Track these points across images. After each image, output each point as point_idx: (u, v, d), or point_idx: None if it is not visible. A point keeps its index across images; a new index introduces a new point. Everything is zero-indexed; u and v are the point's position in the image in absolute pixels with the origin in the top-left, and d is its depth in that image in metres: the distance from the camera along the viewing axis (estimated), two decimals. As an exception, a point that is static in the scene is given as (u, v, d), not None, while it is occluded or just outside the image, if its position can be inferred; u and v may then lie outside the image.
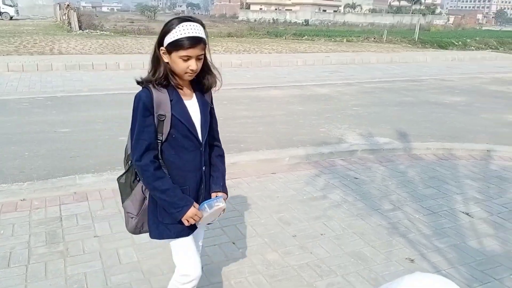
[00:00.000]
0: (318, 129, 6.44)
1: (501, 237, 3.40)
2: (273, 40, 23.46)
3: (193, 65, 1.76)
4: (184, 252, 1.96)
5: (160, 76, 1.79)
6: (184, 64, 1.75)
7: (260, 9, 67.65)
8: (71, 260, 2.90)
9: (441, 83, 11.45)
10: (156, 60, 1.81)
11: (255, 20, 49.09)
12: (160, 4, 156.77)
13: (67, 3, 27.71)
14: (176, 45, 1.72)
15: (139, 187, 1.93)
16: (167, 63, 1.79)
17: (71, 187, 4.05)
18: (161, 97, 1.79)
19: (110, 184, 4.12)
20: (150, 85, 1.80)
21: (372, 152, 5.44)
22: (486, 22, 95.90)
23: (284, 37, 25.51)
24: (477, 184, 4.48)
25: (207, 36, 1.78)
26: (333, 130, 6.44)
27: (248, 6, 71.49)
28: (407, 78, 11.90)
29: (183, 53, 1.72)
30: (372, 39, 26.35)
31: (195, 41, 1.72)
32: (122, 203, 2.01)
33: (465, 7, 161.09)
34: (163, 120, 1.80)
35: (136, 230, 2.02)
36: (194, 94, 1.92)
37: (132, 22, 33.50)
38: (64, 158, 4.98)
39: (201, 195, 1.97)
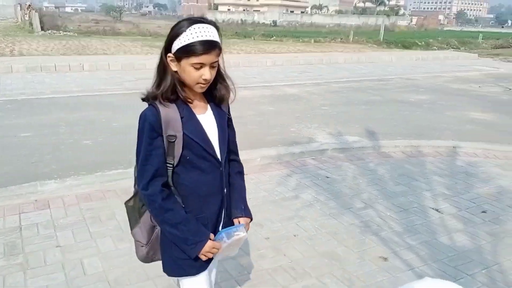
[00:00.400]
0: (288, 129, 6.42)
1: (470, 232, 3.44)
2: (242, 40, 23.44)
3: (207, 74, 1.50)
4: None
5: (166, 89, 1.52)
6: (196, 73, 1.49)
7: (228, 10, 67.55)
8: (31, 273, 2.72)
9: (406, 82, 11.69)
10: (162, 69, 1.55)
11: (223, 21, 48.92)
12: (126, 4, 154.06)
13: (28, 3, 26.77)
14: (187, 51, 1.46)
15: (147, 215, 1.68)
16: (175, 72, 1.52)
17: (32, 195, 3.85)
18: (170, 114, 1.53)
19: (74, 190, 3.95)
20: (157, 102, 1.54)
21: (342, 151, 5.46)
22: (447, 23, 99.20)
23: (252, 38, 25.54)
24: (445, 180, 4.55)
25: (221, 40, 1.53)
26: (303, 129, 6.43)
27: (216, 7, 71.25)
28: (374, 77, 12.09)
29: (195, 60, 1.46)
30: (339, 39, 26.74)
31: (209, 46, 1.46)
32: (131, 230, 1.76)
33: (427, 8, 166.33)
34: (174, 141, 1.54)
35: (147, 259, 1.77)
36: (208, 106, 1.65)
37: (97, 23, 32.68)
38: (25, 164, 4.73)
39: (220, 221, 1.72)
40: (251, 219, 1.79)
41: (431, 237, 3.35)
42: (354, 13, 71.07)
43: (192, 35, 1.45)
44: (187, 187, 1.61)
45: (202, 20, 1.49)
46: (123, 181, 4.10)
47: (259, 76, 11.68)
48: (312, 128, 6.52)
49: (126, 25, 30.06)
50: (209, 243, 1.59)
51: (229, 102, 1.71)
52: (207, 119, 1.63)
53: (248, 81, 10.77)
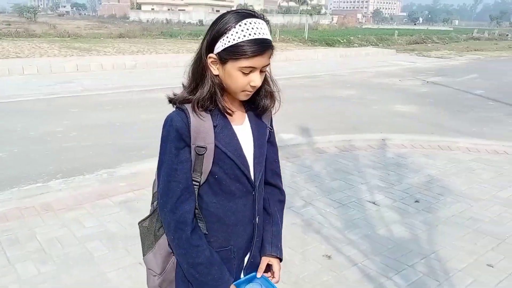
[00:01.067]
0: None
1: (406, 222, 3.53)
2: (168, 40, 22.87)
3: (257, 80, 1.23)
4: None
5: (204, 96, 1.25)
6: (244, 79, 1.22)
7: (152, 9, 65.69)
8: None
9: (334, 78, 12.04)
10: (200, 72, 1.27)
11: (147, 21, 47.42)
12: (41, 4, 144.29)
13: None
14: (235, 52, 1.19)
15: (165, 239, 1.37)
16: (217, 75, 1.26)
17: None
18: (200, 121, 1.26)
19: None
20: (188, 106, 1.27)
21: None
22: (365, 21, 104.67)
23: (179, 38, 25.01)
24: (378, 172, 4.66)
25: (272, 37, 1.26)
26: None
27: (139, 6, 68.95)
28: (303, 74, 12.31)
29: (245, 63, 1.20)
30: (268, 38, 27.05)
31: (263, 47, 1.19)
32: (143, 256, 1.46)
33: (346, 7, 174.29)
34: (203, 154, 1.27)
35: None
36: (246, 116, 1.37)
37: (9, 25, 30.14)
38: None
39: (247, 253, 1.44)
40: (281, 261, 1.49)
41: (371, 231, 3.38)
42: (278, 12, 72.45)
43: (243, 32, 1.18)
44: (211, 213, 1.33)
45: (252, 13, 1.23)
46: (43, 196, 3.72)
47: (188, 76, 11.41)
48: (246, 127, 6.42)
49: (42, 26, 28.00)
50: None
51: (273, 113, 1.42)
52: (243, 131, 1.34)
53: (177, 81, 10.42)
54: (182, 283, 1.36)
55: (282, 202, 1.54)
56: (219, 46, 1.20)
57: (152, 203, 1.44)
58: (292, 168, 4.72)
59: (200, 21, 44.64)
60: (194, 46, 19.41)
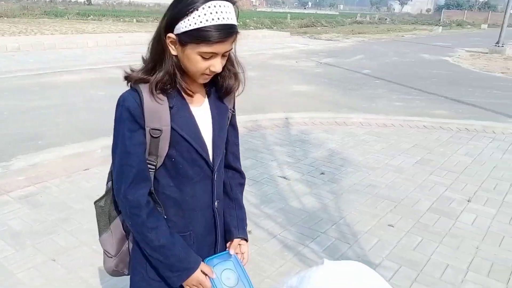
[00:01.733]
0: (126, 115, 6.00)
1: (315, 193, 3.79)
2: (54, 20, 20.99)
3: (217, 66, 1.17)
4: None
5: (162, 77, 1.17)
6: (203, 64, 1.16)
7: (30, -15, 59.22)
8: None
9: (234, 60, 12.15)
10: (159, 51, 1.18)
11: (25, -1, 42.76)
12: None
13: None
14: (197, 37, 1.10)
15: (118, 221, 1.34)
16: (175, 55, 1.18)
17: None
18: (155, 103, 1.18)
19: None
20: (143, 85, 1.19)
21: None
22: (259, 4, 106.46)
23: (66, 17, 23.10)
24: (285, 149, 4.90)
25: (237, 19, 1.17)
26: (142, 114, 6.10)
27: (13, -18, 61.69)
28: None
29: (206, 49, 1.12)
30: (152, 19, 26.23)
31: (227, 33, 1.12)
32: (99, 236, 1.40)
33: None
34: (158, 136, 1.20)
35: (115, 273, 1.45)
36: (205, 97, 1.31)
37: None
38: None
39: (214, 242, 1.40)
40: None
41: (285, 204, 3.57)
42: None
43: (206, 16, 1.09)
44: (168, 197, 1.28)
45: None
46: None
47: (81, 58, 10.64)
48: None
49: None
50: (197, 275, 1.27)
51: (236, 95, 1.37)
52: (201, 113, 1.29)
53: (69, 64, 9.73)
54: (139, 266, 1.33)
55: (242, 185, 1.52)
56: (180, 28, 1.12)
57: (107, 182, 1.37)
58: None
59: (89, 0, 41.48)
60: (83, 26, 18.09)
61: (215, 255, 1.35)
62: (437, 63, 13.37)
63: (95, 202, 1.41)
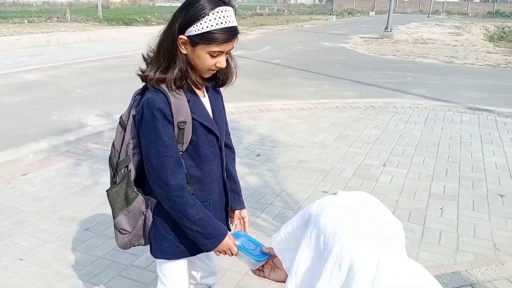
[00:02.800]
0: (50, 118, 5.85)
1: (256, 173, 4.18)
2: None
3: (223, 62, 1.42)
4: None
5: (175, 75, 1.39)
6: (211, 61, 1.39)
7: None
8: None
9: (146, 57, 12.04)
10: (172, 52, 1.38)
11: None
12: None
13: None
14: (208, 39, 1.34)
15: (137, 202, 1.54)
16: (185, 55, 1.39)
17: None
18: (178, 100, 1.41)
19: None
20: (163, 86, 1.40)
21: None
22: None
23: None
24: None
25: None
26: (67, 116, 5.98)
27: None
28: (114, 55, 11.93)
29: (215, 48, 1.36)
30: (56, 18, 24.62)
31: (233, 35, 1.37)
32: (114, 218, 1.59)
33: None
34: (184, 128, 1.44)
35: (128, 246, 1.65)
36: (204, 89, 1.57)
37: None
38: None
39: (225, 203, 1.69)
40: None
41: (231, 185, 3.90)
42: (61, -11, 65.74)
43: (216, 20, 1.32)
44: (192, 176, 1.52)
45: (223, 0, 1.35)
46: None
47: (-23, 65, 9.82)
48: (76, 113, 6.13)
49: None
50: (227, 241, 1.51)
51: (229, 85, 1.62)
52: (206, 101, 1.55)
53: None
54: (168, 234, 1.58)
55: (234, 160, 1.79)
56: (192, 31, 1.33)
57: (119, 169, 1.56)
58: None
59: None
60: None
61: (234, 235, 1.57)
62: (337, 50, 14.53)
63: (107, 191, 1.60)
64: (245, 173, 4.13)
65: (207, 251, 1.57)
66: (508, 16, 42.38)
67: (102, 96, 7.23)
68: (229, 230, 1.78)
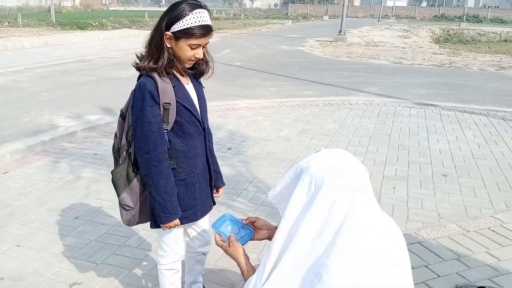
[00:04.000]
0: (21, 121, 5.93)
1: (229, 164, 4.52)
2: None
3: (200, 53, 1.75)
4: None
5: (165, 64, 1.71)
6: (191, 52, 1.72)
7: None
8: None
9: (108, 60, 12.09)
10: (159, 46, 1.71)
11: None
12: None
13: None
14: (188, 33, 1.67)
15: (137, 179, 1.85)
16: (170, 48, 1.72)
17: None
18: (165, 84, 1.73)
19: None
20: (154, 73, 1.71)
21: (91, 129, 5.62)
22: (109, 3, 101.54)
23: None
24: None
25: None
26: (38, 118, 6.08)
27: None
28: (74, 59, 11.90)
29: (194, 42, 1.69)
30: (7, 23, 23.84)
31: (208, 31, 1.70)
32: (118, 196, 1.87)
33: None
34: (168, 108, 1.74)
35: (132, 222, 1.93)
36: (188, 78, 1.88)
37: None
38: None
39: (209, 179, 2.03)
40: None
41: (206, 175, 4.23)
42: (8, -7, 63.10)
43: (194, 19, 1.65)
44: (178, 151, 1.82)
45: (200, 5, 1.68)
46: None
47: None
48: (46, 115, 6.24)
49: None
50: (177, 221, 1.84)
51: (207, 77, 1.93)
52: (190, 88, 1.87)
53: None
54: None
55: (212, 142, 2.10)
56: (176, 27, 1.66)
57: (121, 153, 1.87)
58: (116, 143, 5.09)
59: None
60: None
61: (217, 221, 1.72)
62: (295, 53, 15.13)
63: (112, 171, 1.88)
64: (219, 165, 4.46)
65: (159, 223, 1.85)
66: (452, 19, 45.05)
67: (69, 98, 7.34)
68: (214, 204, 2.15)
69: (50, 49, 13.83)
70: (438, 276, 2.52)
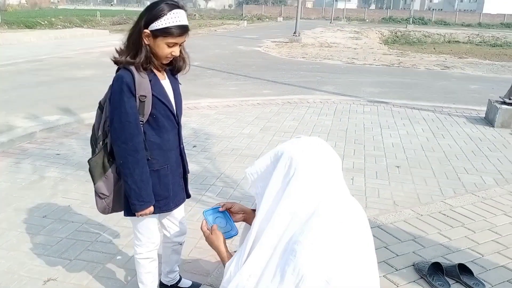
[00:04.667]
0: (-26, 122, 5.73)
1: (195, 161, 4.60)
2: None
3: (177, 51, 1.84)
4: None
5: (143, 60, 1.80)
6: (168, 50, 1.81)
7: None
8: None
9: (63, 60, 11.76)
10: (137, 42, 1.80)
11: None
12: None
13: None
14: (165, 32, 1.76)
15: (113, 169, 1.92)
16: (148, 45, 1.80)
17: None
18: (141, 78, 1.81)
19: None
20: (132, 67, 1.79)
21: (51, 130, 5.52)
22: (58, 1, 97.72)
23: None
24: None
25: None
26: (-8, 119, 5.89)
27: None
28: (25, 59, 11.48)
29: (171, 40, 1.78)
30: None
31: (184, 30, 1.80)
32: (94, 184, 1.95)
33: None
34: (144, 101, 1.82)
35: (106, 210, 2.00)
36: (165, 74, 1.97)
37: None
38: None
39: (183, 172, 2.14)
40: None
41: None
42: None
43: (172, 19, 1.74)
44: (153, 142, 1.92)
45: (177, 5, 1.77)
46: None
47: None
48: (2, 116, 6.04)
49: None
50: (151, 209, 1.94)
51: (184, 73, 2.03)
52: (166, 83, 1.96)
53: None
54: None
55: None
56: (154, 26, 1.76)
57: (98, 143, 1.95)
58: (78, 142, 5.06)
59: None
60: None
61: (209, 209, 1.83)
62: (252, 53, 15.35)
63: (88, 161, 1.96)
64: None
65: (133, 211, 1.93)
66: (399, 21, 47.03)
67: (24, 99, 7.13)
68: (189, 197, 2.28)
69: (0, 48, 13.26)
70: (397, 255, 2.76)
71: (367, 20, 51.47)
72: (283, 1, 74.32)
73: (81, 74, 9.67)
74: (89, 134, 5.51)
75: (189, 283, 2.54)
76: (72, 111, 6.46)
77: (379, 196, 3.91)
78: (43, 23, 25.79)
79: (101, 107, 1.97)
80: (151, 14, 1.77)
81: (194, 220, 3.32)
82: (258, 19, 47.66)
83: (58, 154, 4.67)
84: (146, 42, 1.81)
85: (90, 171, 1.96)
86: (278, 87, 9.08)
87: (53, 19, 27.55)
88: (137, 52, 1.81)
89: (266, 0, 75.70)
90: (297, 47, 17.79)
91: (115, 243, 3.02)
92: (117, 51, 1.91)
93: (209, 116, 6.46)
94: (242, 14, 51.52)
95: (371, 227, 3.09)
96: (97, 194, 1.98)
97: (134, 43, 1.82)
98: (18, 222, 3.25)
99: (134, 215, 1.97)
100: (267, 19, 48.19)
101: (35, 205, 3.52)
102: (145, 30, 1.78)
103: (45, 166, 4.32)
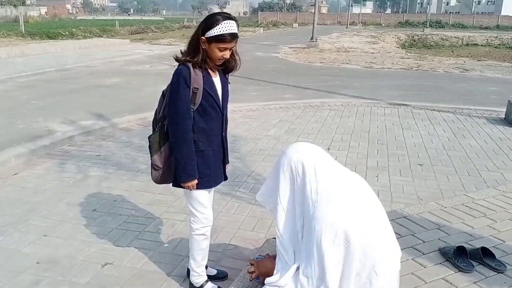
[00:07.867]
0: (16, 127, 6.11)
1: (226, 160, 4.88)
2: None
3: (227, 55, 2.17)
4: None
5: (199, 60, 2.15)
6: (220, 53, 2.14)
7: None
8: None
9: (89, 69, 12.24)
10: (195, 47, 2.15)
11: None
12: None
13: None
14: (218, 39, 2.09)
15: (167, 146, 2.26)
16: (204, 49, 2.13)
17: None
18: (196, 73, 2.16)
19: None
20: (189, 64, 2.14)
21: (88, 134, 5.87)
22: (76, 12, 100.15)
23: None
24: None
25: (238, 30, 2.15)
26: (33, 125, 6.27)
27: None
28: (54, 68, 11.99)
29: (223, 45, 2.12)
30: (-26, 34, 23.42)
31: (234, 37, 2.13)
32: (151, 157, 2.30)
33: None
34: (196, 92, 2.17)
35: (159, 180, 2.36)
36: (217, 73, 2.29)
37: None
38: None
39: (223, 154, 2.43)
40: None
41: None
42: (-30, 2, 61.19)
43: (224, 28, 2.09)
44: (200, 128, 2.26)
45: (230, 16, 2.13)
46: None
47: None
48: (41, 121, 6.43)
49: None
50: (194, 182, 2.26)
51: (236, 70, 2.36)
52: (217, 81, 2.30)
53: None
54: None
55: (227, 128, 2.49)
56: (209, 34, 2.11)
57: (157, 124, 2.31)
58: (116, 145, 5.37)
59: None
60: None
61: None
62: (271, 59, 15.65)
63: (149, 137, 2.31)
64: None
65: (180, 182, 2.28)
66: (416, 25, 46.93)
67: (59, 106, 7.53)
68: (226, 179, 2.58)
69: (27, 58, 13.83)
70: (423, 241, 2.96)
71: (383, 25, 51.43)
72: (298, 7, 74.75)
73: (108, 82, 10.08)
74: (123, 137, 5.90)
75: (214, 271, 2.78)
76: (104, 116, 6.80)
77: (403, 192, 4.11)
78: (64, 33, 26.56)
79: (163, 94, 2.33)
80: (207, 23, 2.12)
81: (231, 213, 3.59)
82: (274, 25, 48.08)
83: (99, 156, 4.99)
84: (203, 47, 2.15)
85: (149, 146, 2.32)
86: (299, 92, 9.32)
87: (73, 30, 28.36)
88: (195, 54, 2.17)
89: (281, 6, 76.22)
90: (315, 53, 18.03)
91: (162, 232, 3.30)
92: (181, 52, 2.26)
93: (235, 120, 6.73)
94: (258, 21, 52.00)
95: (398, 218, 3.35)
96: (153, 166, 2.33)
97: (193, 48, 2.18)
98: (71, 215, 3.55)
99: (181, 186, 2.31)
100: (283, 26, 48.58)
101: (84, 200, 3.82)
102: (202, 37, 2.13)
103: (88, 166, 4.64)
